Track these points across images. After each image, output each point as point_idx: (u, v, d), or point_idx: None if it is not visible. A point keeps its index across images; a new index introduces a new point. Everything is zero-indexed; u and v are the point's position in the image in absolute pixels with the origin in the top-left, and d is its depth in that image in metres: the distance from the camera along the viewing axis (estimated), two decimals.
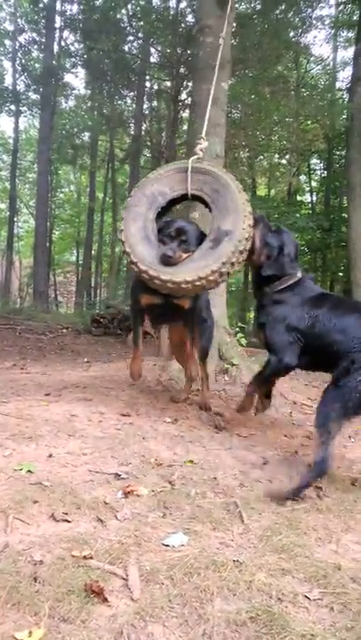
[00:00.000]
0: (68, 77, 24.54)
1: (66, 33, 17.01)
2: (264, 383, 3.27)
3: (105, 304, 14.78)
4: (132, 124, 16.02)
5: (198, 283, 3.10)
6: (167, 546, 1.84)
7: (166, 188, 3.40)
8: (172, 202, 3.50)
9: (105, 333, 11.27)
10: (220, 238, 3.20)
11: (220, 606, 1.49)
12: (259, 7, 11.51)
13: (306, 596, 1.58)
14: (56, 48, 17.82)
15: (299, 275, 3.18)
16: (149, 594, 1.54)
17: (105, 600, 1.48)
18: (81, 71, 17.02)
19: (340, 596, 1.59)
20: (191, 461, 2.77)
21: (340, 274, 18.23)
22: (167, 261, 3.15)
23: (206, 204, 3.42)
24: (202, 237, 3.27)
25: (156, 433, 3.21)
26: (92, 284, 26.12)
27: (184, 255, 3.18)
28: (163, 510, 2.15)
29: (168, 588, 1.57)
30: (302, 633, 1.37)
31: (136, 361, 3.80)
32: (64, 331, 11.83)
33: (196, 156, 3.51)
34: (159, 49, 13.48)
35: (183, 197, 3.47)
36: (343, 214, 14.84)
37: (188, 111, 9.90)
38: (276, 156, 17.16)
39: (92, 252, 25.28)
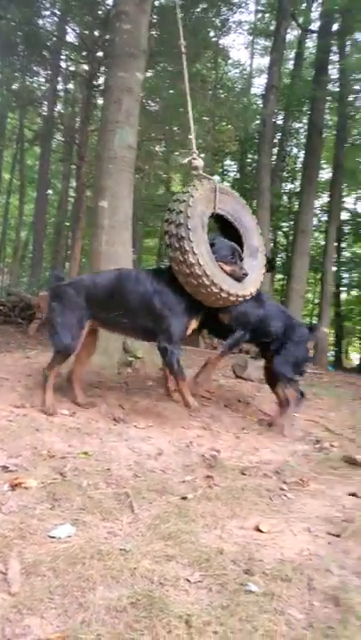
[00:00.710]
0: None
1: None
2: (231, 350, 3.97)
3: (6, 291, 13.97)
4: (43, 105, 15.29)
5: (254, 294, 3.61)
6: (53, 537, 1.80)
7: (205, 207, 3.54)
8: None
9: (5, 322, 10.69)
10: (255, 253, 3.67)
11: (101, 594, 1.49)
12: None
13: (187, 580, 1.63)
14: None
15: None
16: (30, 586, 1.50)
17: None
18: None
19: (220, 577, 1.67)
20: (86, 453, 2.74)
21: None
22: (243, 279, 3.49)
23: (225, 222, 3.72)
24: None
25: (52, 425, 3.13)
26: None
27: None
28: (52, 502, 2.10)
29: (50, 579, 1.54)
30: (180, 614, 1.42)
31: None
32: None
33: (199, 173, 3.84)
34: (76, 29, 12.98)
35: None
36: None
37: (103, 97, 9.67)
38: None
39: None
